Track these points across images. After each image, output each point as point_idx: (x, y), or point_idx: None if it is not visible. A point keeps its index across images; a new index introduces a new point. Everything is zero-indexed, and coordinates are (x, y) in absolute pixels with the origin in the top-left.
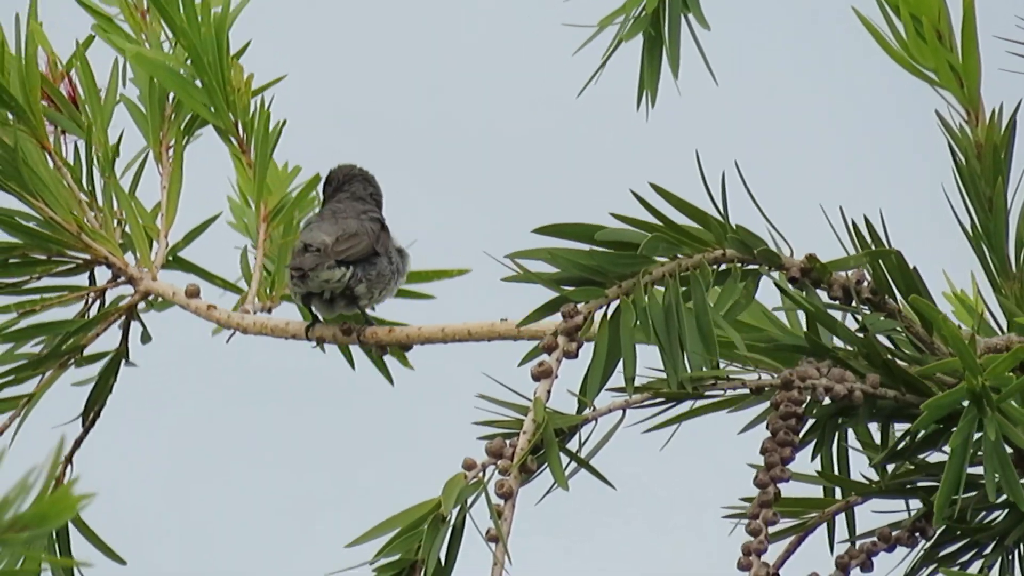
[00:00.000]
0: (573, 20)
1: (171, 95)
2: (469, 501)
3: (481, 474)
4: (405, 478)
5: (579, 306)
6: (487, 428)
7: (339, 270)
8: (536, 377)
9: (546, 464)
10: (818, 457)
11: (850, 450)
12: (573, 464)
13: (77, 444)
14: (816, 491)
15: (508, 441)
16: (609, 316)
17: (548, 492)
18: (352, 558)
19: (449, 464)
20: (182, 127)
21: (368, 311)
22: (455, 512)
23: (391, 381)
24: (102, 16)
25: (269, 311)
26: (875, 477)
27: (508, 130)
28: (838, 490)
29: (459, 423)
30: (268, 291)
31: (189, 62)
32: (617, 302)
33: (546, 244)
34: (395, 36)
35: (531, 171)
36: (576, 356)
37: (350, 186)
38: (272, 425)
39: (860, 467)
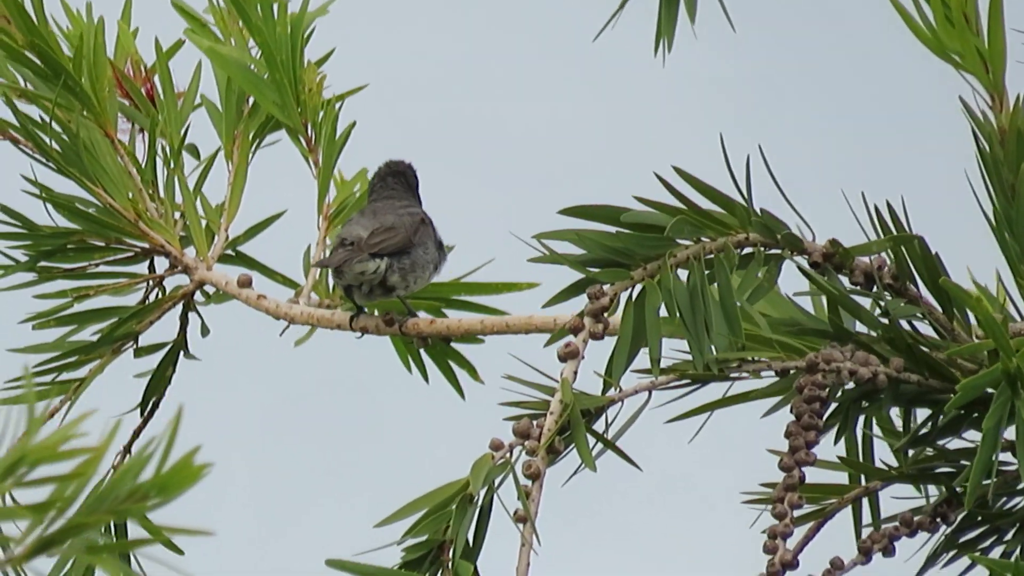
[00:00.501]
0: None
1: (250, 98)
2: (497, 482)
3: (508, 455)
4: (432, 459)
5: (605, 287)
6: (514, 409)
7: (373, 263)
8: (563, 358)
9: (573, 445)
10: (840, 442)
11: (873, 437)
12: (599, 446)
13: (136, 434)
14: (832, 477)
15: (535, 422)
16: (635, 298)
17: (575, 473)
18: (381, 538)
19: (477, 445)
20: (255, 128)
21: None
22: (483, 493)
23: (462, 395)
24: (195, 20)
25: (328, 307)
26: (894, 463)
27: (532, 113)
28: (856, 476)
29: (486, 403)
30: (329, 290)
31: (262, 58)
32: (642, 284)
33: (572, 226)
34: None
35: (554, 154)
36: (602, 337)
37: (394, 180)
38: (305, 408)
39: (879, 453)
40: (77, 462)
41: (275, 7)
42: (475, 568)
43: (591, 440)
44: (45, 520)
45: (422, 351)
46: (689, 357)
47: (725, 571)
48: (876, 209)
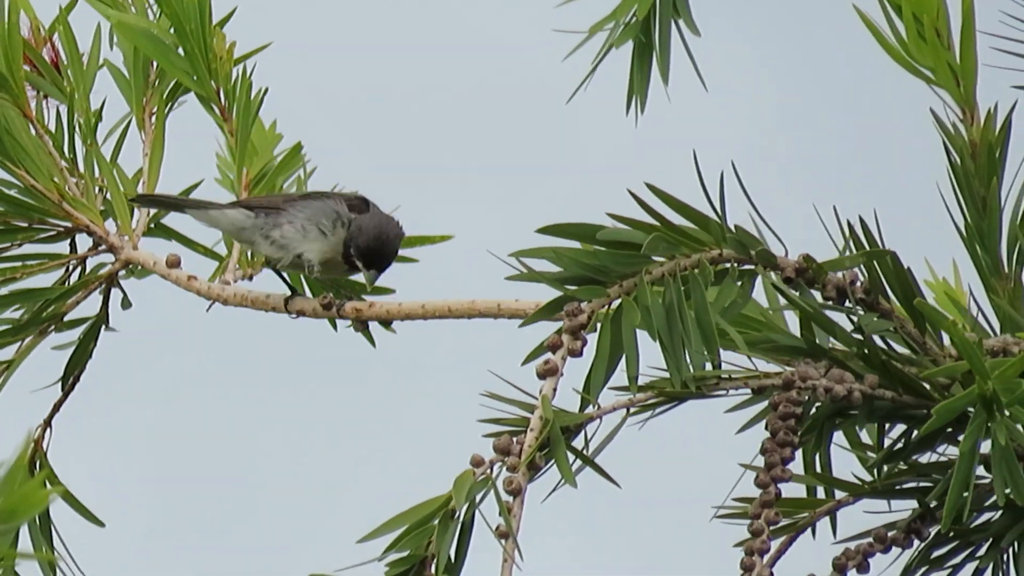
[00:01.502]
0: (564, 26)
1: (155, 63)
2: (478, 498)
3: (489, 471)
4: (413, 474)
5: (582, 305)
6: (494, 426)
7: (237, 212)
8: (541, 375)
9: (553, 461)
10: (815, 458)
11: (842, 451)
12: (579, 462)
13: (56, 408)
14: (799, 491)
15: (515, 439)
16: (612, 314)
17: (555, 489)
18: (363, 553)
19: (458, 461)
20: (165, 94)
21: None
22: (465, 508)
23: (373, 343)
24: None
25: (250, 278)
26: (867, 477)
27: (504, 134)
28: (821, 490)
29: (467, 420)
30: (249, 258)
31: (172, 30)
32: (619, 301)
33: (549, 244)
34: (385, 29)
35: (528, 173)
36: (580, 354)
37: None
38: (273, 408)
39: (850, 468)
40: None
41: None
42: None
43: (571, 456)
44: None
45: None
46: (666, 374)
47: None
48: (848, 224)
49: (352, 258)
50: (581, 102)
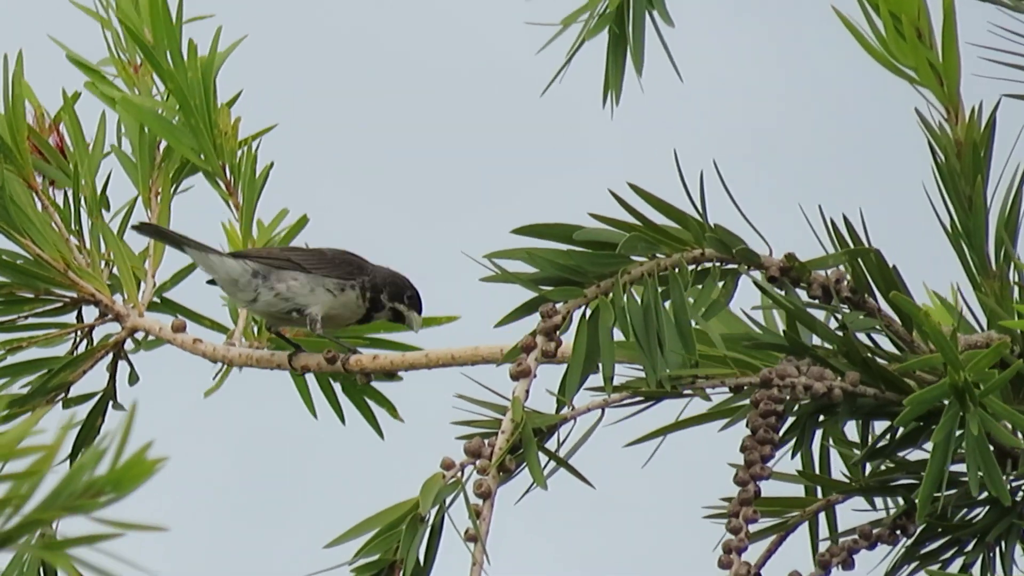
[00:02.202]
0: (536, 19)
1: (161, 143)
2: (447, 501)
3: (459, 474)
4: (383, 478)
5: (558, 306)
6: (465, 428)
7: (236, 262)
8: (515, 377)
9: (525, 464)
10: (798, 456)
11: (830, 449)
12: (552, 464)
13: None
14: (796, 490)
15: (486, 441)
16: (588, 316)
17: (527, 492)
18: (330, 559)
19: (427, 464)
20: (171, 174)
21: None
22: (433, 512)
23: (381, 435)
24: (95, 72)
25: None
26: (853, 476)
27: (480, 131)
28: (819, 489)
29: (437, 422)
30: (255, 332)
31: (177, 107)
32: (596, 302)
33: (524, 244)
34: (368, 54)
35: (505, 171)
36: (555, 356)
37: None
38: (243, 425)
39: (840, 465)
40: (32, 459)
41: (185, 52)
42: None
43: (543, 458)
44: (1, 517)
45: (338, 389)
46: (642, 374)
47: None
48: (833, 222)
49: (384, 307)
50: (556, 99)
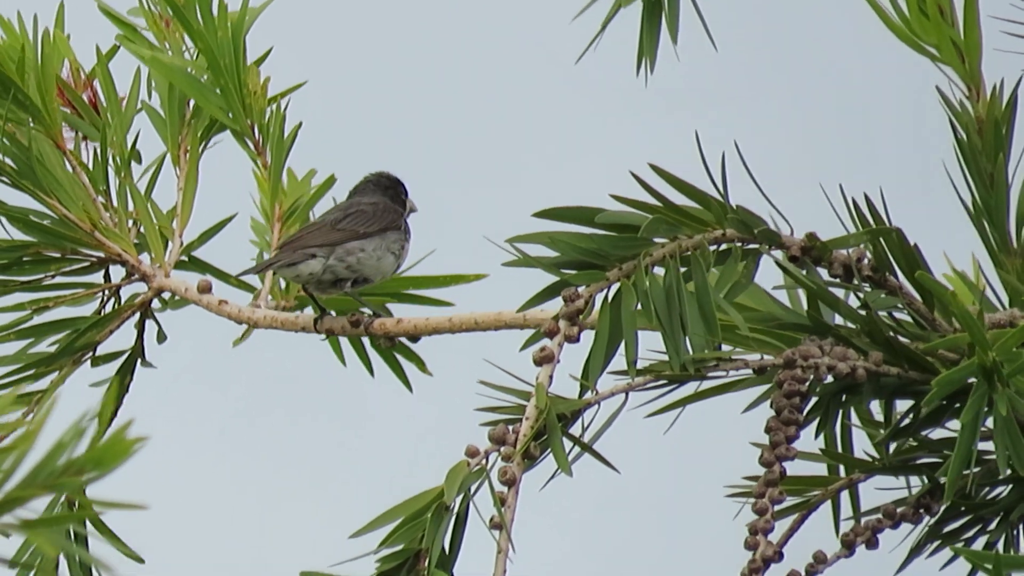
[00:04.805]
0: None
1: (191, 101)
2: (472, 489)
3: (484, 461)
4: (407, 466)
5: (580, 290)
6: (489, 415)
7: (306, 264)
8: (538, 362)
9: (549, 450)
10: (821, 435)
11: (852, 428)
12: (576, 449)
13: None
14: (818, 469)
15: (510, 427)
16: (610, 299)
17: (552, 478)
18: (356, 548)
19: (452, 452)
20: (200, 132)
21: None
22: (458, 500)
23: (409, 388)
24: (127, 26)
25: (284, 310)
26: (877, 455)
27: (508, 107)
28: (841, 468)
29: (462, 409)
30: (282, 289)
31: (207, 67)
32: (618, 285)
33: (546, 228)
34: (395, 20)
35: (528, 154)
36: (577, 340)
37: (371, 185)
38: (271, 413)
39: (862, 445)
40: (13, 436)
41: (215, 10)
42: None
43: (567, 444)
44: None
45: (367, 342)
46: (665, 357)
47: (708, 568)
48: (854, 202)
49: (403, 210)
50: (580, 75)
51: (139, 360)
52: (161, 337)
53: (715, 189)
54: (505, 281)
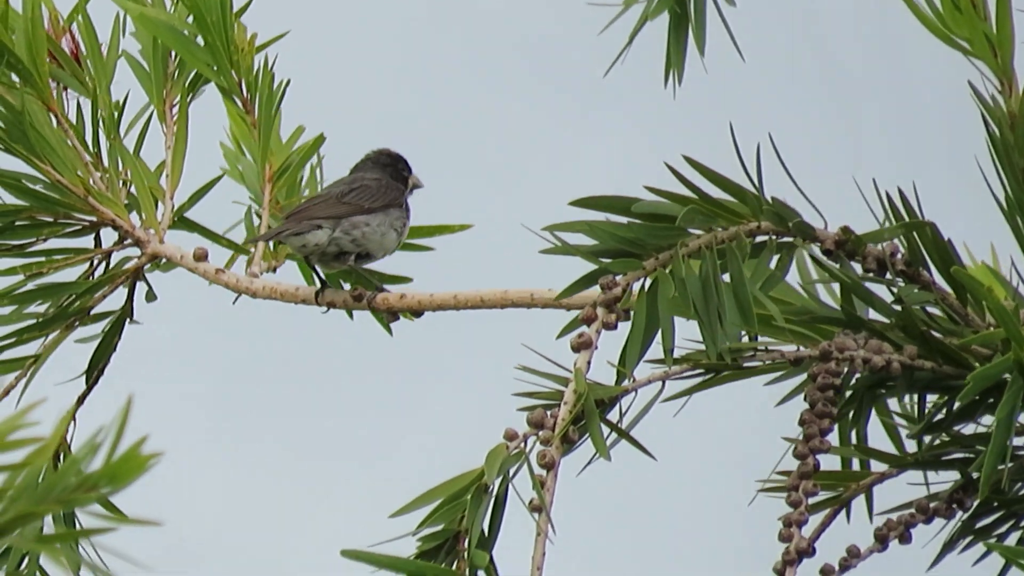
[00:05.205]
0: None
1: (173, 53)
2: (511, 471)
3: (523, 445)
4: (446, 448)
5: (617, 278)
6: (528, 399)
7: (313, 234)
8: (576, 348)
9: (587, 435)
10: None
11: (883, 422)
12: (613, 435)
13: (80, 401)
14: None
15: (549, 412)
16: (647, 288)
17: (589, 462)
18: (396, 528)
19: (491, 434)
20: (186, 84)
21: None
22: (498, 482)
23: (390, 332)
24: None
25: (274, 270)
26: (910, 449)
27: (539, 106)
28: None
29: (501, 393)
30: (272, 250)
31: (192, 21)
32: (655, 274)
33: (583, 217)
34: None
35: (562, 145)
36: (615, 328)
37: (370, 163)
38: (305, 388)
39: (887, 441)
40: (26, 451)
41: None
42: (490, 558)
43: (605, 430)
44: None
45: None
46: (702, 346)
47: (742, 560)
48: (888, 196)
49: (405, 185)
50: (616, 76)
51: (127, 319)
52: (150, 296)
53: (749, 182)
54: (538, 269)
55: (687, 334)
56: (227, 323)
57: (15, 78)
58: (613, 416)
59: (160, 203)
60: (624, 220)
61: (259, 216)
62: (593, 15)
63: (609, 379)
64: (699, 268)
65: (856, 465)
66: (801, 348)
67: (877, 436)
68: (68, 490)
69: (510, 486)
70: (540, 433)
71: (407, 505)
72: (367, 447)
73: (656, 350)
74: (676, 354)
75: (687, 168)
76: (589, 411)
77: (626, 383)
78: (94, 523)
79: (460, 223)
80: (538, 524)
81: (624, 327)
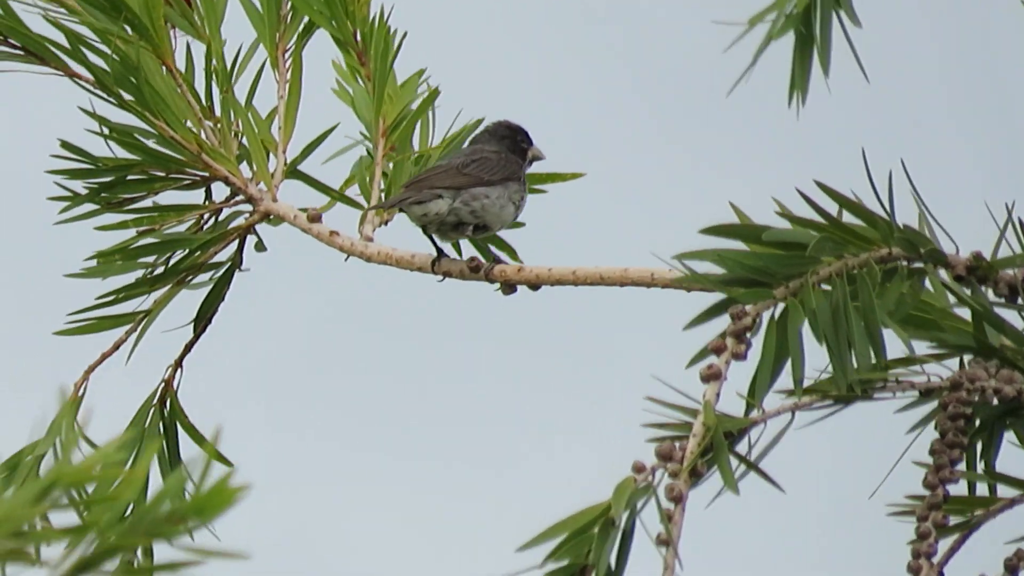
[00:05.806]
0: (723, 18)
1: (287, 2)
2: (639, 505)
3: (651, 477)
4: (570, 479)
5: (747, 308)
6: (656, 431)
7: (435, 203)
8: (705, 379)
9: (715, 467)
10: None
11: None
12: (741, 467)
13: (187, 349)
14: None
15: (677, 444)
16: (777, 317)
17: (718, 496)
18: (521, 562)
19: (618, 467)
20: (299, 31)
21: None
22: (625, 516)
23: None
24: None
25: (386, 223)
26: None
27: (662, 128)
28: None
29: (629, 425)
30: (381, 196)
31: None
32: (784, 303)
33: (712, 245)
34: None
35: (686, 170)
36: (744, 358)
37: (488, 135)
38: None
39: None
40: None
41: None
42: None
43: (734, 462)
44: (83, 542)
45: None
46: (827, 374)
47: None
48: (1020, 220)
49: (523, 158)
50: (740, 96)
51: (237, 269)
52: (260, 247)
53: (880, 208)
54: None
55: (816, 364)
56: (335, 277)
57: (128, 30)
58: (742, 448)
59: (272, 155)
60: (754, 249)
61: (370, 173)
62: (718, 35)
63: (735, 407)
64: (829, 296)
65: (983, 490)
66: (932, 378)
67: (1003, 462)
68: (157, 523)
69: (637, 519)
70: (668, 466)
71: (534, 538)
72: (493, 477)
73: (785, 380)
74: (804, 384)
75: (818, 193)
76: (718, 443)
77: (755, 414)
78: (179, 556)
79: (572, 171)
80: (665, 559)
81: (752, 357)
